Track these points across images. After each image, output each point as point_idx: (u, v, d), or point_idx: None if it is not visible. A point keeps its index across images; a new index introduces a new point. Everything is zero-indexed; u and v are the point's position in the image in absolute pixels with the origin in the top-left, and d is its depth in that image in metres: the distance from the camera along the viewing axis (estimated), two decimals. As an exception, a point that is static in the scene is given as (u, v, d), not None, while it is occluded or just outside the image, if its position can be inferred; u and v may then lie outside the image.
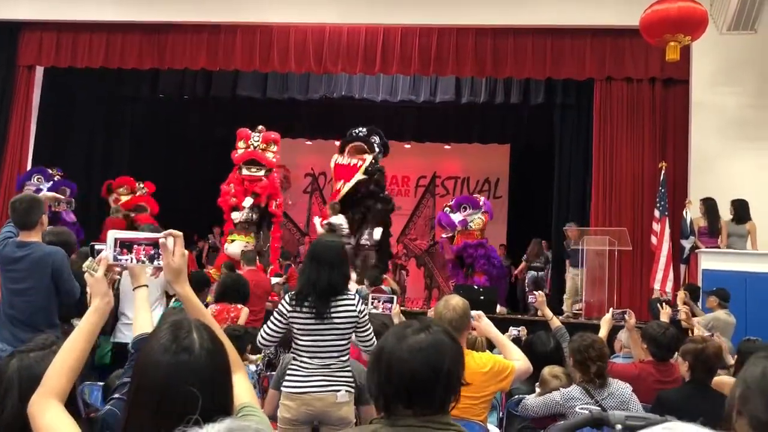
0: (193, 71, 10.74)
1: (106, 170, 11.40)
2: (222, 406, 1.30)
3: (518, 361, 3.29)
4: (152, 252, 1.84)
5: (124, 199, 9.91)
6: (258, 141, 9.32)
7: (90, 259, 1.93)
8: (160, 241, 1.81)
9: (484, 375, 3.12)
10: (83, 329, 1.75)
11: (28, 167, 10.27)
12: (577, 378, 3.54)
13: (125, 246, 1.85)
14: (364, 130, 9.84)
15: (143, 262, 1.86)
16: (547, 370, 3.76)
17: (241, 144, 9.42)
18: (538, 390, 3.75)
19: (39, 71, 10.55)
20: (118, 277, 1.99)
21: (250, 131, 9.45)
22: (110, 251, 1.85)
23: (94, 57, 10.09)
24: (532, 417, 3.63)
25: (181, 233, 1.85)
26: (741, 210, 7.82)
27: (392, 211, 10.15)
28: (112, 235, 1.87)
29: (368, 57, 9.58)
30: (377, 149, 9.74)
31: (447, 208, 9.69)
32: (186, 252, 1.83)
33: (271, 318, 3.51)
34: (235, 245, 8.90)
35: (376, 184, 9.70)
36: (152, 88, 11.50)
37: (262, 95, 11.15)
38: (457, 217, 9.39)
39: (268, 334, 3.48)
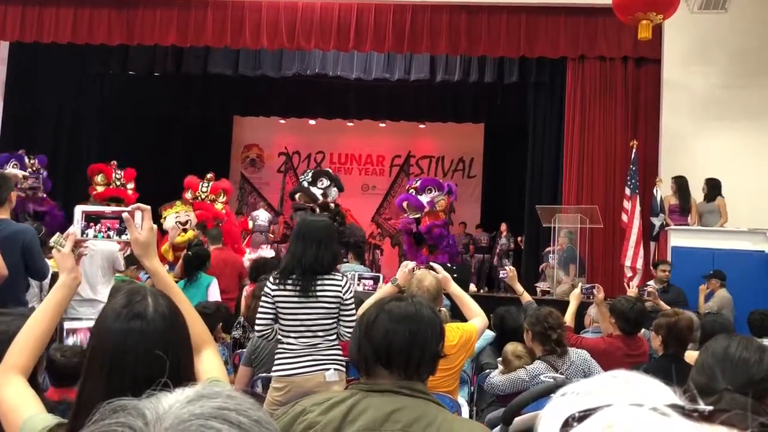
0: (163, 47, 10.54)
1: (74, 149, 11.21)
2: (178, 373, 1.28)
3: (477, 317, 3.34)
4: (119, 226, 1.81)
5: (99, 189, 9.57)
6: (206, 191, 8.97)
7: (57, 234, 1.88)
8: (124, 215, 1.77)
9: (454, 347, 3.15)
10: (49, 304, 1.72)
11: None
12: (538, 352, 3.57)
13: (92, 220, 1.82)
14: (309, 176, 9.12)
15: (110, 236, 1.83)
16: (510, 349, 3.77)
17: (188, 194, 9.02)
18: (500, 367, 3.78)
19: (4, 47, 10.29)
20: (86, 253, 1.97)
21: (198, 179, 9.06)
22: (77, 225, 1.82)
23: (60, 32, 9.84)
24: (499, 394, 3.66)
25: (149, 207, 1.82)
26: (712, 188, 7.95)
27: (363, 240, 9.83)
28: (80, 209, 1.84)
29: (342, 34, 9.48)
30: (320, 197, 9.07)
31: (412, 191, 9.53)
32: (154, 226, 1.80)
33: (260, 303, 3.46)
34: (169, 219, 8.40)
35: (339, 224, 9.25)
36: (122, 65, 11.28)
37: (234, 72, 11.00)
38: (424, 199, 9.32)
39: (260, 320, 3.41)
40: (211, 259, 6.01)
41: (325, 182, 9.02)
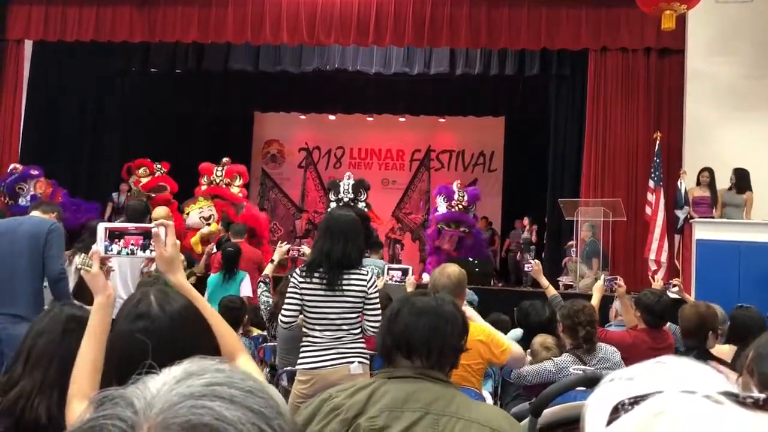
0: (184, 44, 10.61)
1: (97, 146, 11.33)
2: None
3: (513, 345, 3.34)
4: (143, 242, 1.84)
5: (144, 181, 9.70)
6: (221, 176, 9.00)
7: (83, 255, 1.91)
8: (153, 231, 1.78)
9: (480, 343, 3.14)
10: (93, 328, 1.72)
11: (19, 144, 10.18)
12: (567, 345, 3.55)
13: (116, 236, 1.84)
14: (350, 190, 9.20)
15: (134, 252, 1.85)
16: (538, 341, 3.76)
17: (204, 180, 9.14)
18: (529, 359, 3.77)
19: (28, 45, 10.41)
20: (114, 269, 2.00)
21: (212, 165, 9.10)
22: (101, 243, 1.84)
23: (83, 30, 9.94)
24: (526, 385, 3.65)
25: (171, 222, 1.84)
26: (741, 179, 7.80)
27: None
28: (102, 226, 1.87)
29: (361, 28, 9.48)
30: (366, 208, 9.15)
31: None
32: (177, 241, 1.81)
33: (287, 294, 3.50)
34: (192, 215, 8.62)
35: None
36: (143, 62, 11.38)
37: (254, 68, 11.04)
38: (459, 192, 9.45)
39: (287, 311, 3.44)
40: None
41: (364, 194, 9.11)
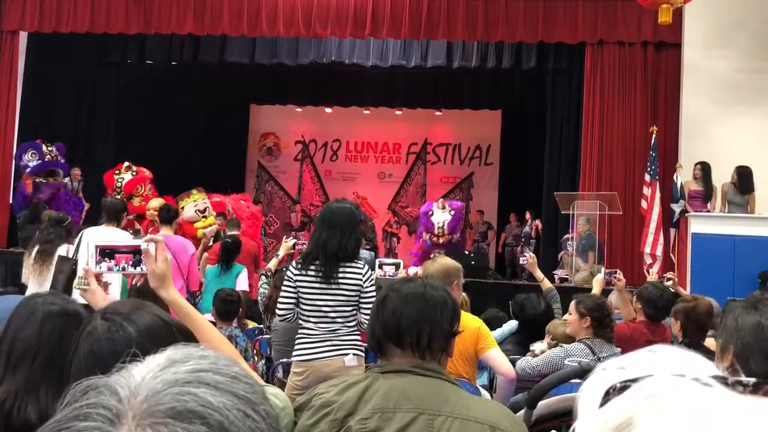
0: (180, 36, 10.57)
1: (92, 138, 11.30)
2: None
3: (504, 358, 3.34)
4: (134, 258, 1.85)
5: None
6: (120, 192, 8.76)
7: (77, 276, 1.94)
8: (143, 247, 1.77)
9: (474, 330, 3.16)
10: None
11: (15, 136, 10.15)
12: (584, 335, 3.53)
13: (107, 254, 1.86)
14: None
15: (125, 269, 1.86)
16: (556, 322, 3.80)
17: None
18: (546, 341, 3.78)
19: (23, 37, 10.37)
20: (111, 283, 2.00)
21: (112, 177, 8.95)
22: (92, 261, 1.86)
23: (79, 22, 9.90)
24: (534, 377, 3.63)
25: (161, 238, 1.82)
26: (744, 179, 7.75)
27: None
28: (93, 243, 1.88)
29: (358, 21, 9.45)
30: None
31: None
32: (168, 256, 1.79)
33: (282, 287, 3.50)
34: (188, 209, 8.63)
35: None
36: (139, 54, 11.33)
37: (250, 61, 11.00)
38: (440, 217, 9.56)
39: (282, 304, 3.44)
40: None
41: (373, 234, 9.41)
